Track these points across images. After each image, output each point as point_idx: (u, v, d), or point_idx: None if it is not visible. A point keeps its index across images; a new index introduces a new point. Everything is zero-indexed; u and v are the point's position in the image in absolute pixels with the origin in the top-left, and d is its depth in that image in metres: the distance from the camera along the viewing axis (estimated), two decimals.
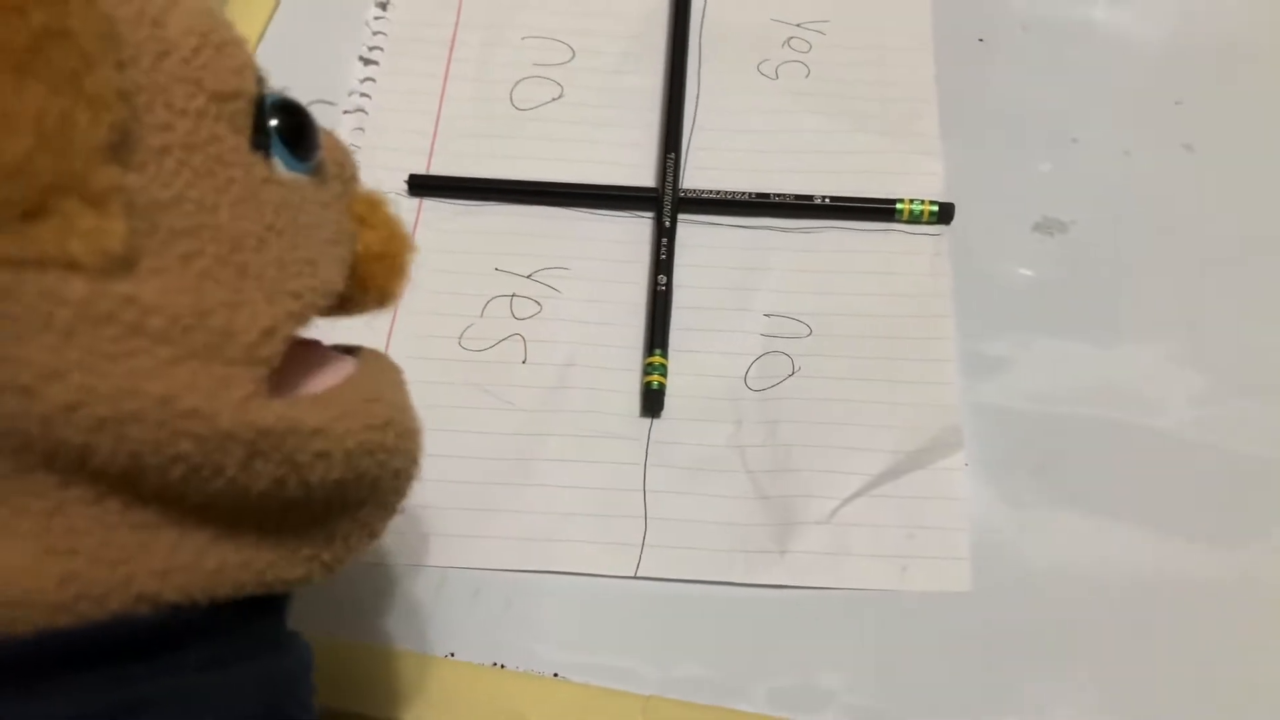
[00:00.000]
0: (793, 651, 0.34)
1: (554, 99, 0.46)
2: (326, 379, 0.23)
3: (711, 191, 0.43)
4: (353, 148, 0.43)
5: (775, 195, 0.43)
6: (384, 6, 0.49)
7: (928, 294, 0.41)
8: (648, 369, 0.39)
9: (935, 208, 0.42)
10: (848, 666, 0.33)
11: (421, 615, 0.34)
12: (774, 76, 0.47)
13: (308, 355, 0.23)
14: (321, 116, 0.24)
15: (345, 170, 0.25)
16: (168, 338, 0.19)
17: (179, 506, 0.20)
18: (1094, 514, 0.36)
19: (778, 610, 0.35)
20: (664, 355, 0.39)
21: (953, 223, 0.43)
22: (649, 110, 0.46)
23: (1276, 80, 0.46)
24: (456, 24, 0.48)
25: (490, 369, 0.40)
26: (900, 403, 0.39)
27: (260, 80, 0.22)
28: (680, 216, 0.43)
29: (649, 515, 0.36)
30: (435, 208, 0.43)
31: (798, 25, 0.49)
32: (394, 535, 0.35)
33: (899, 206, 0.42)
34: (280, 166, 0.22)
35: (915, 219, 0.42)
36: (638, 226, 0.43)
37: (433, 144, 0.45)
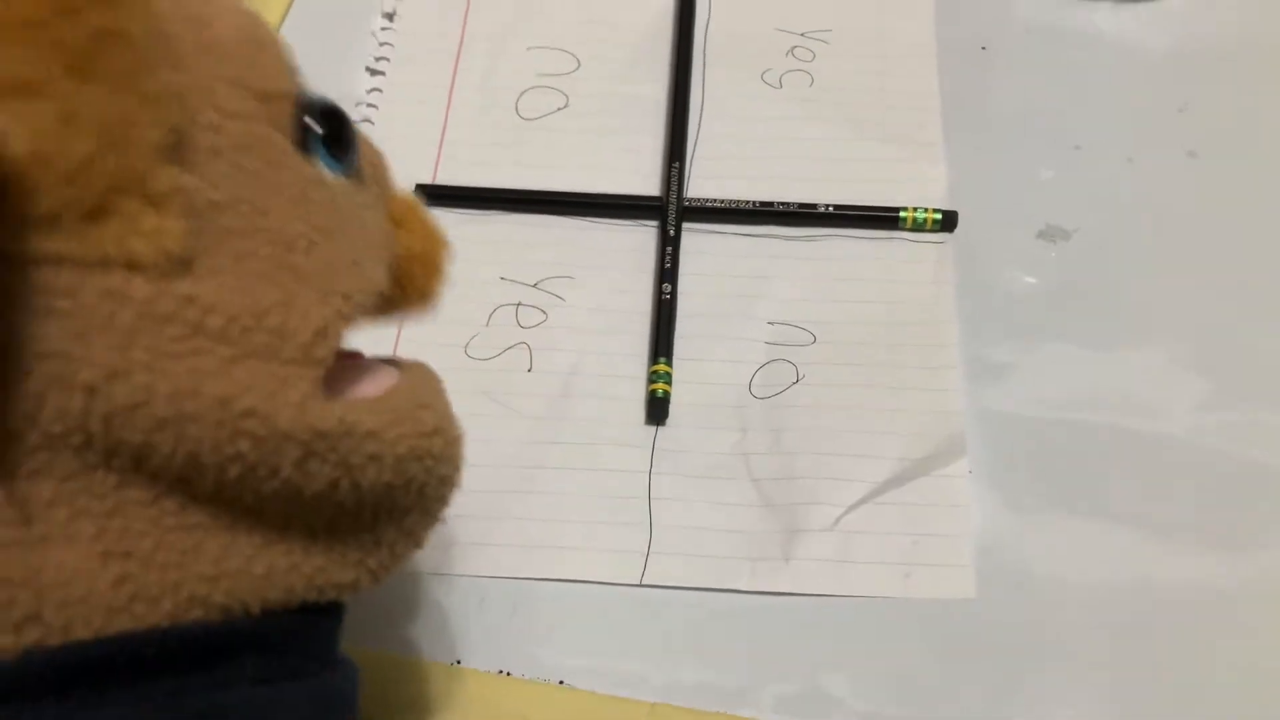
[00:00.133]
0: (798, 658, 0.34)
1: (559, 109, 0.47)
2: (375, 386, 0.23)
3: (716, 200, 0.43)
4: None
5: (779, 204, 0.43)
6: (390, 17, 0.49)
7: (931, 301, 0.41)
8: (652, 377, 0.39)
9: (939, 215, 0.43)
10: (853, 673, 0.33)
11: (428, 623, 0.34)
12: (778, 85, 0.47)
13: (353, 365, 0.23)
14: None
15: (380, 173, 0.26)
16: (227, 337, 0.19)
17: (232, 509, 0.21)
18: (1098, 520, 0.36)
19: (783, 617, 0.35)
20: (669, 363, 0.39)
21: (956, 230, 0.43)
22: (654, 119, 0.46)
23: (1279, 86, 0.46)
24: (462, 34, 0.49)
25: (496, 377, 0.40)
26: (904, 410, 0.39)
27: (299, 81, 0.23)
28: (685, 225, 0.43)
29: (654, 523, 0.37)
30: (441, 217, 0.43)
31: (801, 34, 0.49)
32: None
33: (902, 214, 0.43)
34: (324, 169, 0.22)
35: (919, 227, 0.43)
36: (642, 235, 0.43)
37: (439, 154, 0.45)
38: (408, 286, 0.25)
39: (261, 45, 0.22)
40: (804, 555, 0.36)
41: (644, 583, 0.35)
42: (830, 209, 0.43)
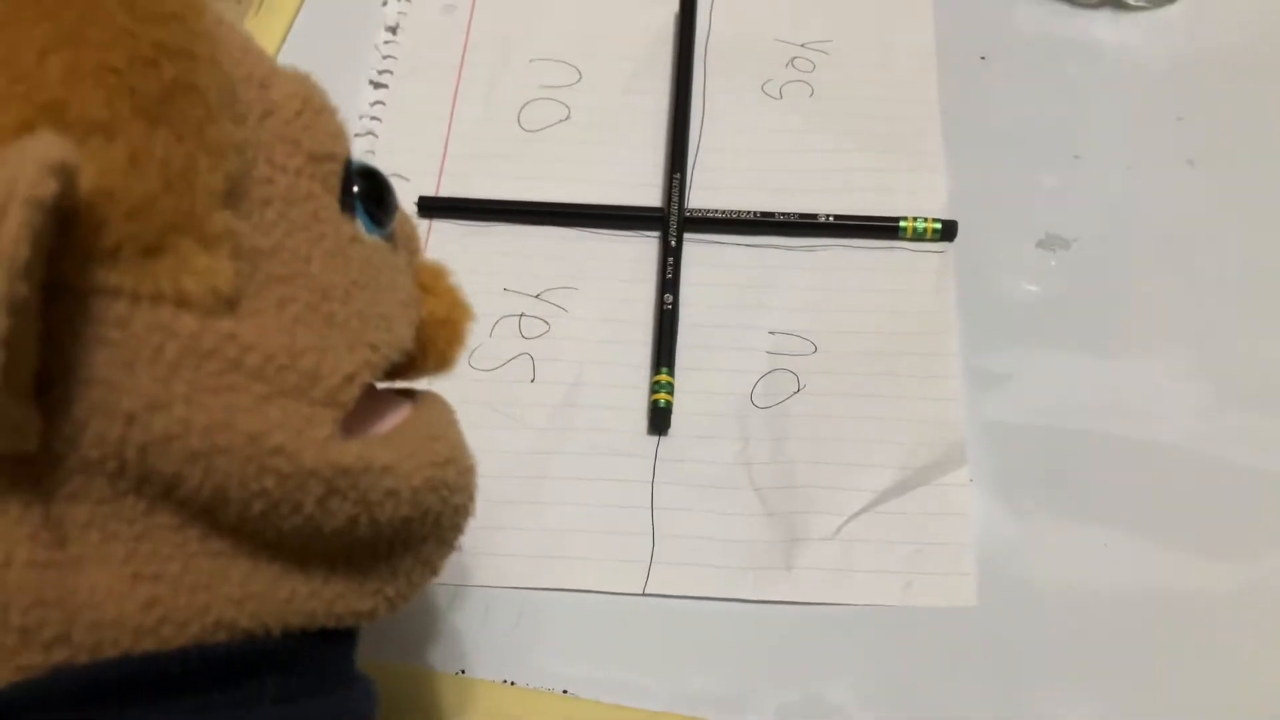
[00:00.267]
0: (801, 667, 0.34)
1: (561, 120, 0.47)
2: (389, 420, 0.24)
3: (717, 211, 0.44)
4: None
5: (780, 214, 0.43)
6: (394, 31, 0.49)
7: (932, 310, 0.41)
8: (654, 387, 0.39)
9: (939, 225, 0.43)
10: (855, 682, 0.34)
11: (432, 632, 0.35)
12: (778, 96, 0.48)
13: (369, 398, 0.24)
14: None
15: (412, 242, 0.27)
16: (262, 376, 0.20)
17: (254, 540, 0.21)
18: (1099, 528, 0.37)
19: (786, 626, 0.35)
20: (670, 373, 0.40)
21: (956, 240, 0.43)
22: (655, 131, 0.47)
23: (1278, 95, 0.47)
24: (465, 47, 0.49)
25: (499, 388, 0.40)
26: (905, 419, 0.39)
27: (348, 145, 0.24)
28: (686, 235, 0.43)
29: (657, 532, 0.37)
30: (444, 228, 0.44)
31: (801, 45, 0.49)
32: None
33: (903, 224, 0.43)
34: (362, 228, 0.24)
35: (919, 236, 0.43)
36: (644, 246, 0.44)
37: (442, 166, 0.46)
38: (429, 349, 0.26)
39: (317, 111, 0.23)
40: (805, 564, 0.36)
41: (647, 592, 0.36)
42: (830, 219, 0.43)
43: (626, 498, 0.38)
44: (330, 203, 0.23)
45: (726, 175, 0.45)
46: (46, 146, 0.17)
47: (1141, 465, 0.38)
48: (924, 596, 0.35)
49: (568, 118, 0.47)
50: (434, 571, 0.25)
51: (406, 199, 0.43)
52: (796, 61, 0.49)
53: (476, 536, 0.36)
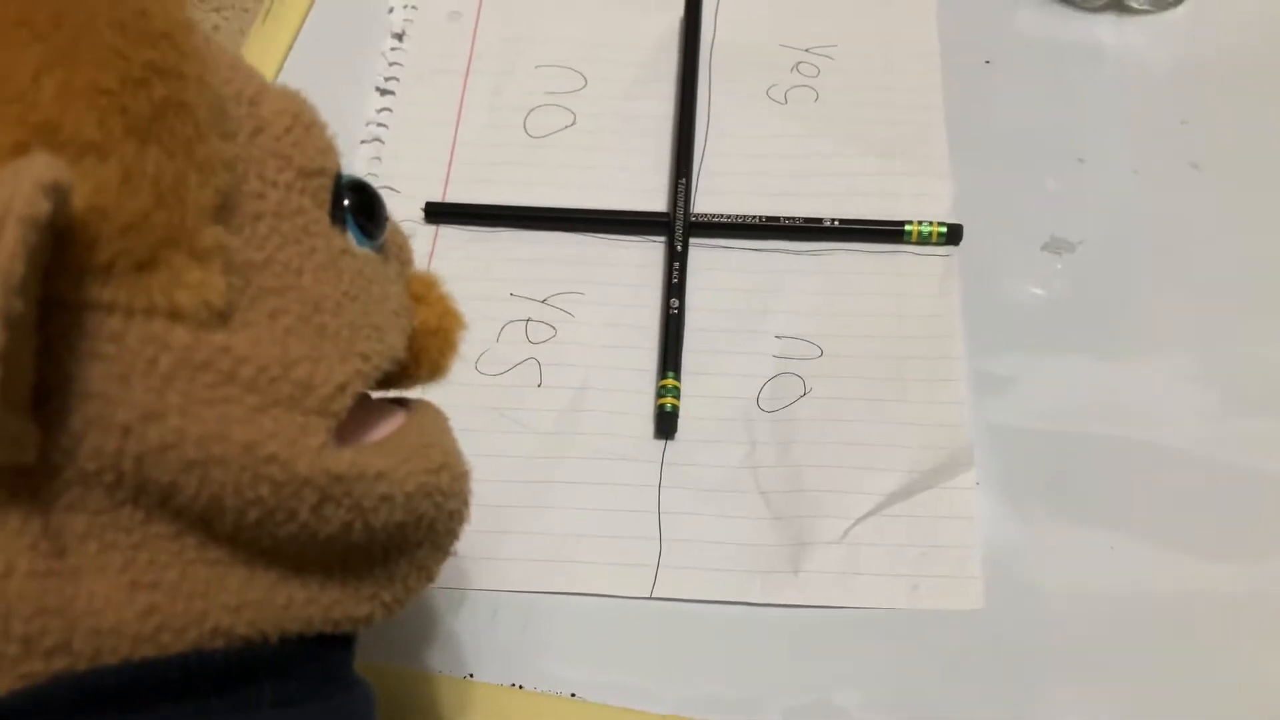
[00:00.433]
0: (808, 670, 0.34)
1: (567, 126, 0.47)
2: (383, 428, 0.24)
3: (722, 215, 0.44)
4: (370, 176, 0.44)
5: (785, 218, 0.43)
6: (400, 38, 0.50)
7: (937, 314, 0.42)
8: (661, 391, 0.40)
9: (944, 229, 0.43)
10: (862, 685, 0.34)
11: (440, 637, 0.35)
12: (783, 101, 0.48)
13: (362, 406, 0.24)
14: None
15: (404, 253, 0.27)
16: (256, 387, 0.21)
17: (250, 548, 0.22)
18: (1106, 531, 0.37)
19: (793, 629, 0.35)
20: (677, 378, 0.40)
21: (961, 243, 0.43)
22: (660, 136, 0.47)
23: None
24: (471, 54, 0.49)
25: (506, 393, 0.40)
26: (911, 422, 0.39)
27: (337, 160, 0.24)
28: (692, 240, 0.43)
29: (664, 536, 0.37)
30: (451, 234, 0.44)
31: (806, 50, 0.49)
32: None
33: (908, 228, 0.43)
34: (353, 241, 0.24)
35: (924, 240, 0.43)
36: (650, 251, 0.44)
37: (448, 172, 0.46)
38: (422, 358, 0.27)
39: (306, 126, 0.24)
40: (813, 568, 0.36)
41: (654, 596, 0.36)
42: (836, 223, 0.43)
43: (633, 502, 0.38)
44: (321, 217, 0.23)
45: (731, 180, 0.45)
46: (41, 167, 0.17)
47: (1147, 468, 0.38)
48: (931, 599, 0.35)
49: (573, 124, 0.47)
50: (430, 577, 0.26)
51: (402, 209, 0.44)
52: (801, 66, 0.49)
53: (483, 540, 0.37)
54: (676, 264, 0.42)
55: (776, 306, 0.42)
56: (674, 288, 0.42)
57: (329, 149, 0.24)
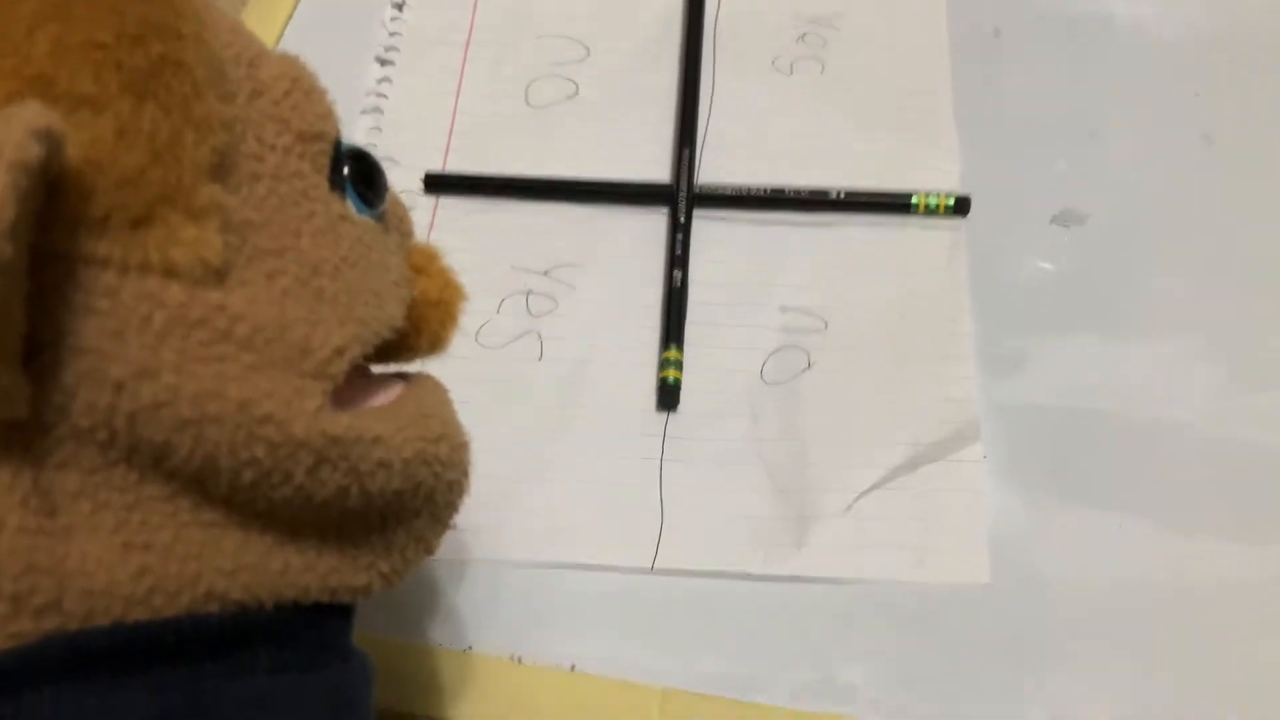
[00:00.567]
0: (813, 646, 0.34)
1: (569, 97, 0.47)
2: (381, 398, 0.24)
3: (727, 187, 0.43)
4: (369, 146, 0.44)
5: (790, 191, 0.43)
6: (400, 7, 0.49)
7: (944, 287, 0.41)
8: (663, 364, 0.39)
9: (951, 201, 0.42)
10: (867, 661, 0.33)
11: (439, 609, 0.34)
12: (788, 72, 0.47)
13: (361, 378, 0.24)
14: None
15: (405, 225, 0.27)
16: (252, 346, 0.20)
17: (245, 511, 0.21)
18: (1113, 509, 0.36)
19: (797, 605, 0.35)
20: (679, 350, 0.39)
21: (969, 216, 0.42)
22: (664, 107, 0.46)
23: None
24: (472, 24, 0.49)
25: (506, 366, 0.40)
26: (917, 396, 0.38)
27: (337, 127, 0.24)
28: (695, 212, 0.43)
29: (665, 509, 0.37)
30: (451, 206, 0.44)
31: (812, 20, 0.49)
32: None
33: (915, 200, 0.42)
34: (352, 208, 0.24)
35: (931, 212, 0.42)
36: (653, 223, 0.43)
37: (449, 142, 0.45)
38: (422, 330, 0.26)
39: (305, 91, 0.23)
40: (817, 540, 0.35)
41: (656, 568, 0.35)
42: (842, 196, 0.43)
43: (635, 475, 0.37)
44: (319, 182, 0.23)
45: (736, 151, 0.45)
46: (33, 114, 0.17)
47: (1155, 446, 0.37)
48: (936, 573, 0.35)
49: (576, 94, 0.47)
50: (429, 549, 0.25)
51: (402, 180, 0.43)
52: (807, 37, 0.48)
53: (483, 512, 0.36)
54: (680, 236, 0.42)
55: (780, 279, 0.42)
56: (677, 259, 0.41)
57: (328, 114, 0.24)
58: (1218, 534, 0.36)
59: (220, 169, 0.21)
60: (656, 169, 0.44)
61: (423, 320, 0.26)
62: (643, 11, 0.49)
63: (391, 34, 0.48)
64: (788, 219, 0.43)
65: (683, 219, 0.42)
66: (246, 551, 0.21)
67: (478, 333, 0.41)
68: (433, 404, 0.25)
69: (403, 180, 0.43)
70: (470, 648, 0.34)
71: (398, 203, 0.27)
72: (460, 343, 0.41)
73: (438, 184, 0.44)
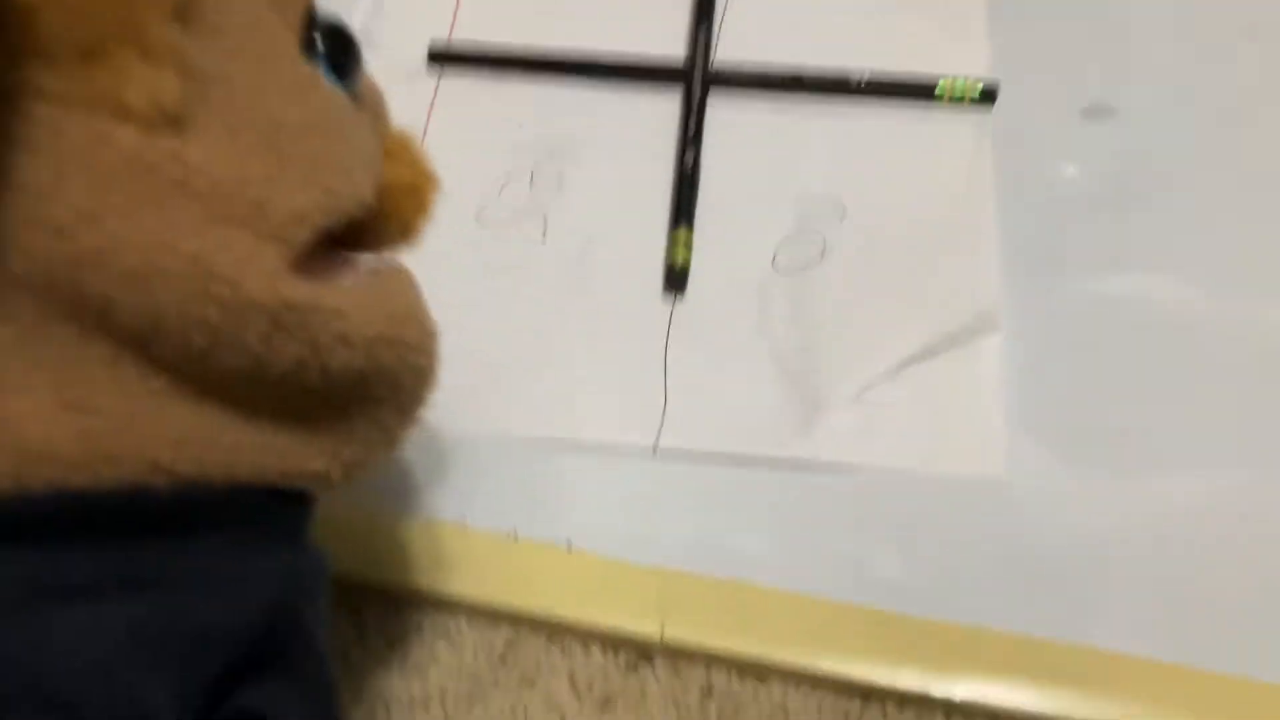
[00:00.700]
0: (818, 531, 0.33)
1: None
2: (349, 278, 0.23)
3: (745, 66, 0.41)
4: (373, 18, 0.42)
5: (811, 74, 0.41)
6: None
7: (969, 179, 0.39)
8: (672, 246, 0.38)
9: (978, 89, 0.40)
10: (874, 548, 0.32)
11: (436, 482, 0.33)
12: None
13: (329, 258, 0.23)
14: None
15: (379, 109, 0.26)
16: (206, 199, 0.19)
17: (196, 381, 0.20)
18: (1131, 408, 0.35)
19: (802, 491, 0.33)
20: (689, 232, 0.38)
21: (996, 108, 0.41)
22: None
23: None
24: None
25: (509, 246, 0.38)
26: (935, 288, 0.37)
27: None
28: (711, 92, 0.41)
29: (670, 392, 0.35)
30: (456, 79, 0.42)
31: None
32: None
33: (940, 87, 0.40)
34: (324, 76, 0.23)
35: (957, 100, 0.40)
36: (667, 102, 0.41)
37: (455, 15, 0.43)
38: (393, 217, 0.25)
39: None
40: (826, 426, 0.34)
41: (659, 450, 0.34)
42: (864, 83, 0.41)
43: (640, 359, 0.36)
44: (291, 41, 0.22)
45: (754, 30, 0.43)
46: None
47: (1179, 345, 0.36)
48: (949, 464, 0.34)
49: None
50: (392, 441, 0.24)
51: (405, 53, 0.41)
52: None
53: (483, 388, 0.35)
54: (694, 114, 0.40)
55: (797, 165, 0.40)
56: (689, 139, 0.39)
57: None
58: (1240, 431, 0.34)
59: (183, 13, 0.19)
60: (671, 44, 0.42)
61: (394, 206, 0.25)
62: None
63: None
64: (807, 102, 0.41)
65: (697, 97, 0.40)
66: (197, 425, 0.20)
67: (479, 212, 0.39)
68: (400, 286, 0.24)
69: (406, 53, 0.42)
70: (466, 522, 0.33)
71: (373, 88, 0.26)
72: (461, 222, 0.40)
73: (442, 57, 0.42)
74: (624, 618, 0.31)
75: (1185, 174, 0.39)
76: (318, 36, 0.23)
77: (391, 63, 0.40)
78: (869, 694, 0.30)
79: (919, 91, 0.41)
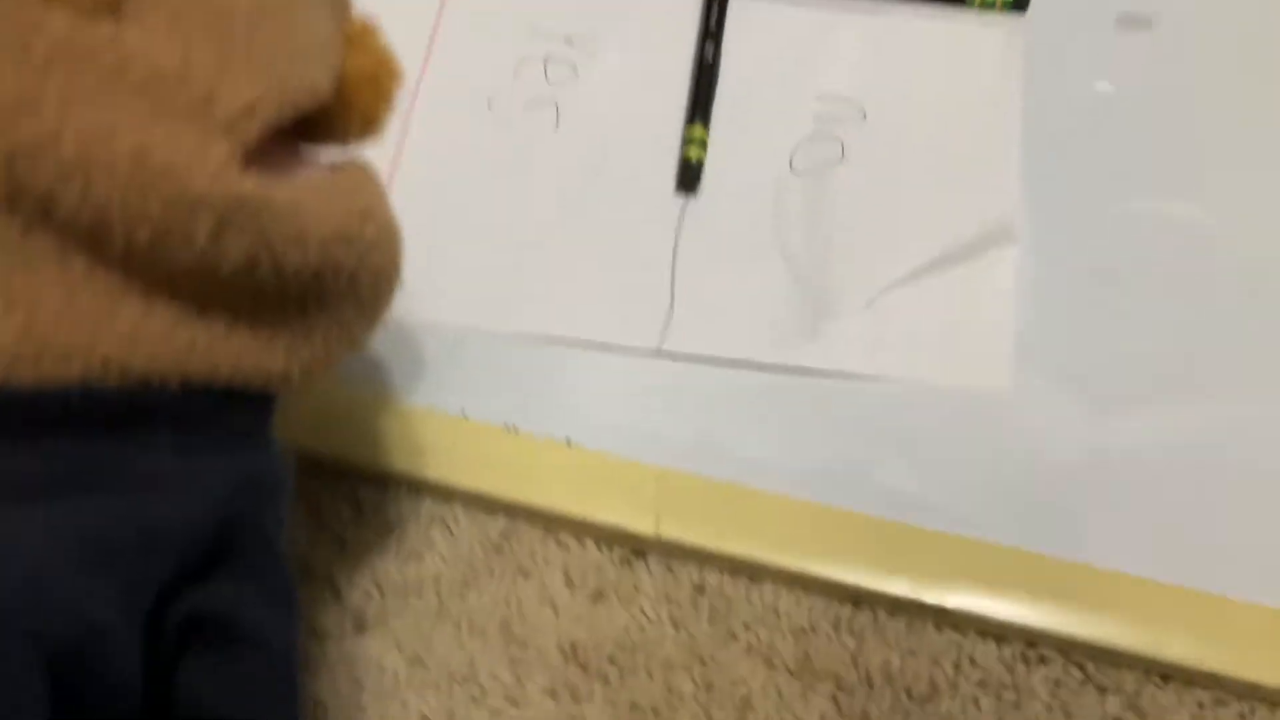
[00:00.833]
0: (819, 437, 0.32)
1: None
2: (305, 174, 0.22)
3: None
4: None
5: None
6: None
7: (996, 87, 0.38)
8: (687, 141, 0.37)
9: None
10: (876, 455, 0.32)
11: (436, 372, 0.33)
12: None
13: (285, 153, 0.22)
14: None
15: None
16: (147, 90, 0.19)
17: (146, 277, 0.20)
18: (1146, 333, 0.34)
19: (805, 397, 0.33)
20: (705, 129, 0.37)
21: (1029, 13, 0.39)
22: None
23: None
24: None
25: (520, 134, 0.37)
26: (955, 195, 0.36)
27: None
28: None
29: (677, 292, 0.35)
30: None
31: None
32: (414, 292, 0.34)
33: None
34: None
35: (988, 5, 0.39)
36: None
37: None
38: (353, 107, 0.24)
39: None
40: (834, 333, 0.34)
41: (663, 350, 0.34)
42: None
43: (648, 255, 0.35)
44: None
45: None
46: None
47: (1196, 272, 0.35)
48: (956, 374, 0.33)
49: None
50: (353, 341, 0.23)
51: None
52: None
53: (486, 282, 0.35)
54: (715, 5, 0.39)
55: (820, 65, 0.39)
56: (710, 32, 0.38)
57: None
58: (1250, 362, 0.34)
59: None
60: None
61: (354, 97, 0.24)
62: None
63: None
64: (832, 1, 0.40)
65: None
66: (148, 322, 0.20)
67: (491, 99, 0.38)
68: (360, 183, 0.23)
69: None
70: (464, 412, 0.33)
71: None
72: (472, 109, 0.39)
73: None
74: (620, 514, 0.31)
75: (1223, 92, 0.38)
76: None
77: None
78: (860, 599, 0.30)
79: None
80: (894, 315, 0.34)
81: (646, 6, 0.40)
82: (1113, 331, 0.34)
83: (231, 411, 0.22)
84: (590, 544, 0.32)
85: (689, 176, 0.36)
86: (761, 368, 0.33)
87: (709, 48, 0.38)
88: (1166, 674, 0.29)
